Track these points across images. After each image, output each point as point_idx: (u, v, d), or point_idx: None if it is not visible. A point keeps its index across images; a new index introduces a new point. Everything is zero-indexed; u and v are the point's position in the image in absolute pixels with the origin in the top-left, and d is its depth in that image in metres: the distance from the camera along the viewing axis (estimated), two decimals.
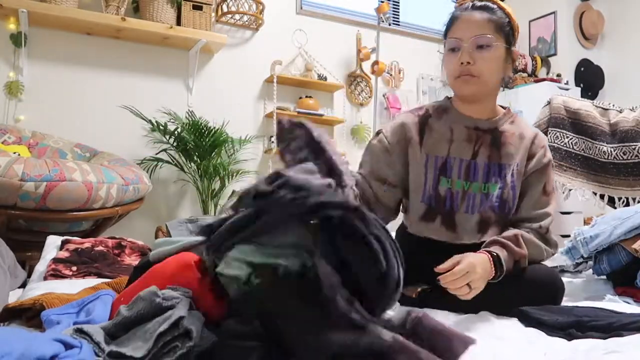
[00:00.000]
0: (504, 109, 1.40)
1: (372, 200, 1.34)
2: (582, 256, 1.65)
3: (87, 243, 2.06)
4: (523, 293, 1.19)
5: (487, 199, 1.30)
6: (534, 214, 1.32)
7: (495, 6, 1.28)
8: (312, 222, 0.66)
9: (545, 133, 2.33)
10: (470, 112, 1.35)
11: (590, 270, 1.73)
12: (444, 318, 1.11)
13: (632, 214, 1.55)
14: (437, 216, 1.31)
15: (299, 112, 3.75)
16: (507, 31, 1.27)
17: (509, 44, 1.28)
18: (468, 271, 1.07)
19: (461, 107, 1.36)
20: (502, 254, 1.18)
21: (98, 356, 0.65)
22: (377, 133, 1.41)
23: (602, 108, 2.32)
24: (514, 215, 1.34)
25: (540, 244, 1.27)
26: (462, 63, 1.25)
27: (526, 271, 1.24)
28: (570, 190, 2.24)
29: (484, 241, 1.26)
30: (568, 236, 1.75)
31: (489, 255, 1.15)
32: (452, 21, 1.30)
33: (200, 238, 0.87)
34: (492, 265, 1.14)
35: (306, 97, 3.86)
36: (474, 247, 1.24)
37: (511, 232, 1.26)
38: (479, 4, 1.28)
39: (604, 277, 1.68)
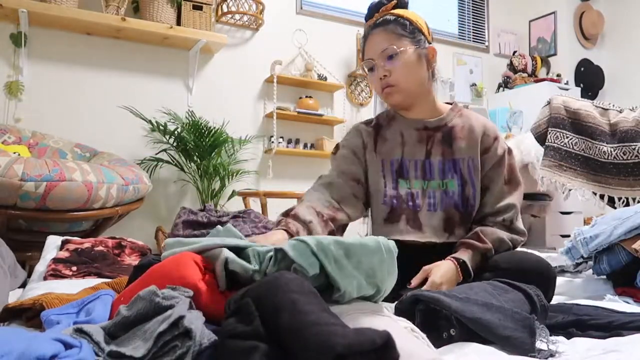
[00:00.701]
0: (450, 104, 1.44)
1: (347, 197, 1.35)
2: (582, 256, 1.64)
3: (87, 243, 2.06)
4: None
5: (447, 195, 1.33)
6: (496, 208, 1.33)
7: (391, 17, 1.34)
8: None
9: (545, 133, 2.32)
10: (414, 115, 1.39)
11: (590, 270, 1.73)
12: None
13: (632, 214, 1.55)
14: (402, 216, 1.33)
15: (299, 112, 3.76)
16: (410, 35, 1.32)
17: (418, 44, 1.33)
18: (440, 283, 1.14)
19: (404, 113, 1.41)
20: (467, 256, 1.23)
21: (98, 356, 0.65)
22: (337, 146, 1.45)
23: (602, 108, 2.32)
24: (479, 212, 1.35)
25: (502, 234, 1.29)
26: (380, 78, 1.33)
27: (512, 261, 1.23)
28: (570, 190, 2.23)
29: (453, 242, 1.31)
30: (568, 236, 1.75)
31: (455, 263, 1.20)
32: (363, 44, 1.39)
33: (216, 241, 0.87)
34: (459, 271, 1.20)
35: (306, 97, 3.86)
36: (445, 247, 1.29)
37: (473, 231, 1.29)
38: (378, 21, 1.35)
39: (604, 277, 1.68)
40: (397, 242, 1.27)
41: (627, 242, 1.49)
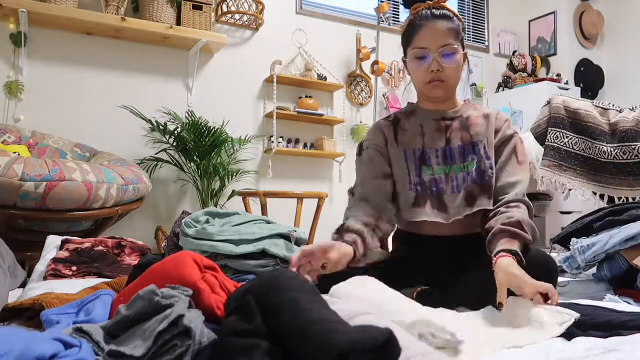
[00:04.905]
0: (464, 101, 1.54)
1: (384, 202, 1.41)
2: (579, 266, 1.64)
3: (87, 243, 2.06)
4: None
5: (468, 175, 1.39)
6: (509, 182, 1.37)
7: (450, 14, 1.39)
8: None
9: (545, 133, 2.32)
10: (438, 107, 1.48)
11: (591, 271, 1.73)
12: (441, 316, 1.11)
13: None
14: (427, 201, 1.39)
15: (299, 112, 3.76)
16: (462, 37, 1.42)
17: (463, 47, 1.43)
18: (521, 286, 1.07)
19: (427, 106, 1.49)
20: (517, 246, 1.18)
21: (98, 355, 0.65)
22: (360, 146, 1.52)
23: (602, 108, 2.32)
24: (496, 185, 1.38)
25: (532, 222, 1.28)
26: (432, 71, 1.37)
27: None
28: (570, 190, 2.23)
29: (472, 214, 1.34)
30: None
31: (512, 257, 1.14)
32: (416, 30, 1.39)
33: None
34: (517, 261, 1.14)
35: (306, 97, 3.86)
36: (466, 238, 1.35)
37: (513, 218, 1.25)
38: (437, 12, 1.38)
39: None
40: (421, 236, 1.41)
41: (628, 254, 1.49)
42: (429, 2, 1.41)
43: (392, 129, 1.48)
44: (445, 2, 1.42)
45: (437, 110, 1.47)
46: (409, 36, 1.41)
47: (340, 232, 1.29)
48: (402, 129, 1.47)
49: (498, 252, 1.16)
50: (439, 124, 1.45)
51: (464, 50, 1.42)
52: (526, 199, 1.35)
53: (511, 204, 1.31)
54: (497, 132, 1.43)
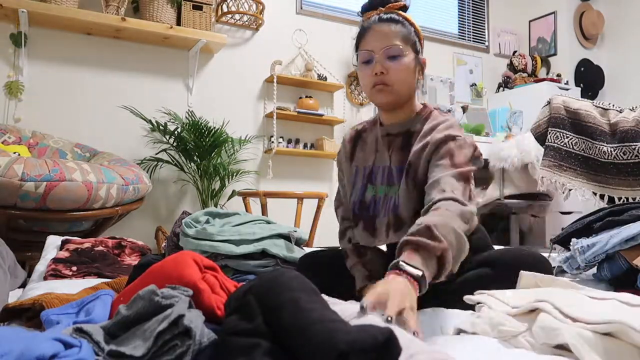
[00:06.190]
0: (425, 107, 1.38)
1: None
2: (579, 266, 1.64)
3: (87, 243, 2.07)
4: (511, 280, 1.08)
5: (392, 200, 1.29)
6: (433, 181, 1.19)
7: (400, 18, 1.31)
8: None
9: (545, 133, 2.32)
10: (390, 120, 1.37)
11: (591, 271, 1.73)
12: (437, 316, 1.11)
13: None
14: (360, 222, 1.35)
15: (299, 112, 3.76)
16: (413, 41, 1.31)
17: (416, 53, 1.32)
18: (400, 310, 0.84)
19: (383, 117, 1.39)
20: (414, 260, 0.95)
21: (98, 355, 0.65)
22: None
23: (602, 108, 2.32)
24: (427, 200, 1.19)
25: (455, 221, 1.06)
26: (375, 74, 1.28)
27: (508, 255, 1.20)
28: (570, 190, 2.23)
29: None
30: None
31: (407, 277, 0.91)
32: (363, 33, 1.33)
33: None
34: (414, 284, 0.91)
35: (306, 97, 3.86)
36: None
37: (421, 224, 1.02)
38: (385, 16, 1.31)
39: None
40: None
41: (628, 254, 1.49)
42: (381, 8, 1.35)
43: (351, 143, 1.44)
44: (397, 8, 1.34)
45: (388, 124, 1.37)
46: (357, 41, 1.35)
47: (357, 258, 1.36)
48: (362, 142, 1.42)
49: (392, 266, 0.95)
50: (384, 140, 1.36)
51: (417, 55, 1.32)
52: (454, 194, 1.12)
53: (432, 207, 1.12)
54: (426, 144, 1.26)
